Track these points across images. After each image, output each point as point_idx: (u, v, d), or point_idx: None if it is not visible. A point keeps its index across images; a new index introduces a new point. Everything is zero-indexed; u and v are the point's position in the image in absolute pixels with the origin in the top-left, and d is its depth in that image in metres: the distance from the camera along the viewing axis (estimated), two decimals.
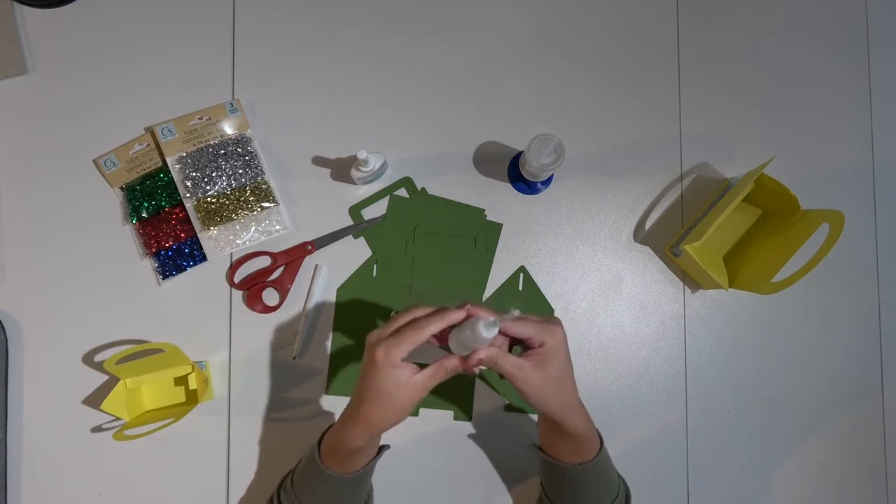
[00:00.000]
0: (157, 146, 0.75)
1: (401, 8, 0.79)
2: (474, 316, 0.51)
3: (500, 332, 0.52)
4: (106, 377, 0.74)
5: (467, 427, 0.75)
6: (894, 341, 0.80)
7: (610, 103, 0.80)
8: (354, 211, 0.77)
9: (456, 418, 0.75)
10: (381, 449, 0.62)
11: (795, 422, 0.78)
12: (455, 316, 0.52)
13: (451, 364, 0.53)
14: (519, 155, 0.76)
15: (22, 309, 0.74)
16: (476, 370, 0.54)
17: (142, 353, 0.67)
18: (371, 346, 0.53)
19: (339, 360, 0.75)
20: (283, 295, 0.75)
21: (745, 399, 0.78)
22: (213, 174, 0.74)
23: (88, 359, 0.74)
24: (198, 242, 0.75)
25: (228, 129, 0.76)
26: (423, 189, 0.77)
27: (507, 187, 0.78)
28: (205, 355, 0.74)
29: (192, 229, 0.75)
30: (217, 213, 0.74)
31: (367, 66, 0.78)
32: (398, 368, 0.52)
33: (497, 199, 0.78)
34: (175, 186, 0.74)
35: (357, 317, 0.76)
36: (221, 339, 0.75)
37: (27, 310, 0.74)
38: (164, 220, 0.74)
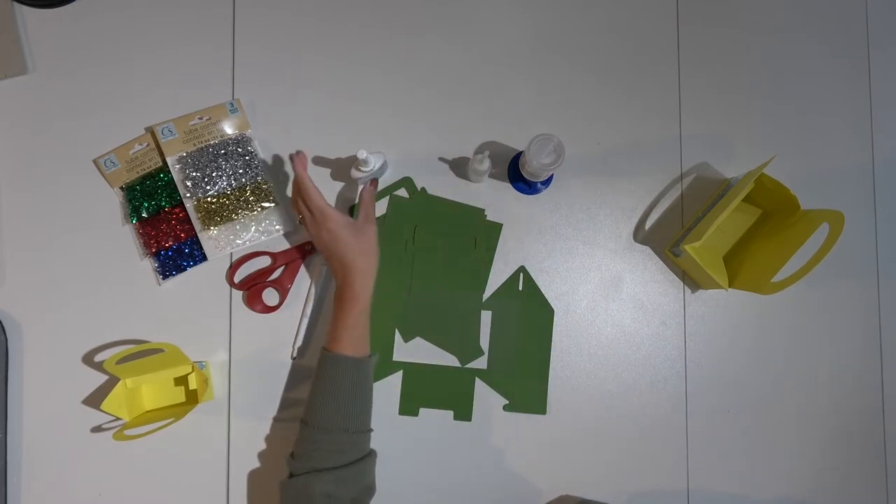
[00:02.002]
0: (158, 146, 0.75)
1: (401, 8, 0.79)
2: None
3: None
4: (106, 377, 0.74)
5: (467, 427, 0.75)
6: (894, 341, 0.80)
7: (610, 103, 0.80)
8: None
9: (456, 418, 0.75)
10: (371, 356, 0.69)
11: (795, 422, 0.78)
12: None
13: (367, 192, 0.73)
14: (519, 155, 0.76)
15: (22, 309, 0.74)
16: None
17: (142, 353, 0.67)
18: (318, 229, 0.67)
19: None
20: (283, 295, 0.75)
21: (745, 399, 0.78)
22: (214, 174, 0.74)
23: (88, 359, 0.74)
24: (198, 242, 0.75)
25: (228, 128, 0.76)
26: (423, 189, 0.77)
27: (507, 187, 0.78)
28: (205, 355, 0.74)
29: (192, 229, 0.75)
30: (217, 213, 0.74)
31: (367, 66, 0.79)
32: (347, 225, 0.67)
33: (497, 199, 0.78)
34: (175, 186, 0.74)
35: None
36: (221, 339, 0.75)
37: (27, 310, 0.74)
38: (164, 220, 0.74)
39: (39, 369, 0.74)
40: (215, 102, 0.76)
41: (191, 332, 0.74)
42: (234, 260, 0.75)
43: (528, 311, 0.77)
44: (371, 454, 0.67)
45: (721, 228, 0.77)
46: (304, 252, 0.75)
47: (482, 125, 0.78)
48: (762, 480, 0.78)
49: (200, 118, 0.75)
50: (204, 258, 0.75)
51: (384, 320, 0.76)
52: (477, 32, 0.80)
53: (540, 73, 0.80)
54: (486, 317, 0.76)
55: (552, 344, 0.77)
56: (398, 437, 0.74)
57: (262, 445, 0.74)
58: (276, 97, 0.78)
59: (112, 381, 0.73)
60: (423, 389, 0.75)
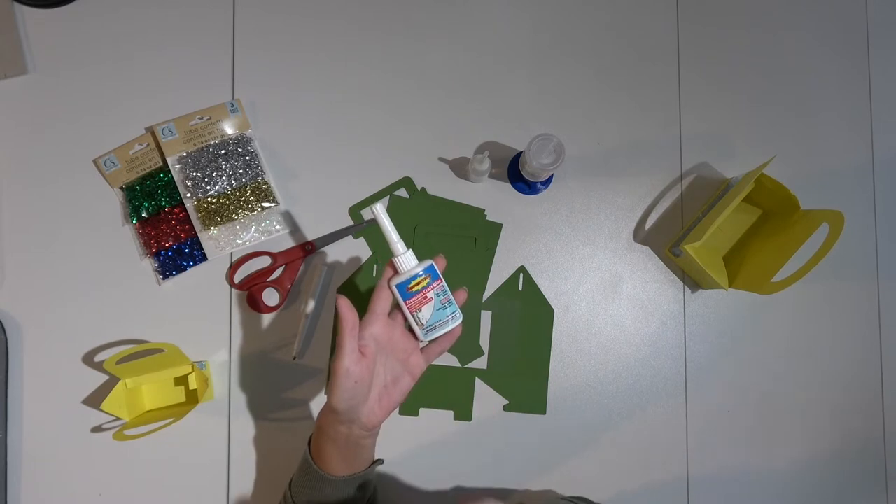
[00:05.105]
0: (158, 146, 0.75)
1: (401, 8, 0.79)
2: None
3: None
4: (106, 377, 0.74)
5: (467, 427, 0.75)
6: (894, 341, 0.80)
7: (610, 103, 0.80)
8: (354, 211, 0.77)
9: (456, 418, 0.75)
10: (374, 463, 0.62)
11: (795, 422, 0.78)
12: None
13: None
14: (519, 155, 0.76)
15: (22, 309, 0.74)
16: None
17: (142, 353, 0.67)
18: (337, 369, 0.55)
19: None
20: (283, 295, 0.75)
21: (745, 399, 0.78)
22: (214, 174, 0.74)
23: (88, 359, 0.74)
24: (198, 242, 0.75)
25: (229, 128, 0.76)
26: (423, 189, 0.77)
27: (507, 187, 0.78)
28: (205, 355, 0.74)
29: (192, 229, 0.75)
30: (217, 213, 0.74)
31: (368, 66, 0.79)
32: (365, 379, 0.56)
33: (497, 199, 0.78)
34: (175, 186, 0.74)
35: (357, 317, 0.76)
36: (221, 339, 0.75)
37: (27, 310, 0.74)
38: (164, 220, 0.74)
39: (39, 369, 0.74)
40: (215, 102, 0.76)
41: (191, 332, 0.74)
42: (234, 260, 0.75)
43: (528, 311, 0.77)
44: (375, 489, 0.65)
45: (721, 228, 0.77)
46: (304, 252, 0.75)
47: (482, 125, 0.78)
48: (762, 480, 0.78)
49: (201, 118, 0.75)
50: (204, 258, 0.75)
51: None
52: (477, 32, 0.80)
53: (540, 73, 0.80)
54: (486, 317, 0.77)
55: (552, 344, 0.77)
56: (398, 437, 0.74)
57: (262, 445, 0.74)
58: (277, 97, 0.78)
59: (112, 381, 0.73)
60: (423, 389, 0.75)
